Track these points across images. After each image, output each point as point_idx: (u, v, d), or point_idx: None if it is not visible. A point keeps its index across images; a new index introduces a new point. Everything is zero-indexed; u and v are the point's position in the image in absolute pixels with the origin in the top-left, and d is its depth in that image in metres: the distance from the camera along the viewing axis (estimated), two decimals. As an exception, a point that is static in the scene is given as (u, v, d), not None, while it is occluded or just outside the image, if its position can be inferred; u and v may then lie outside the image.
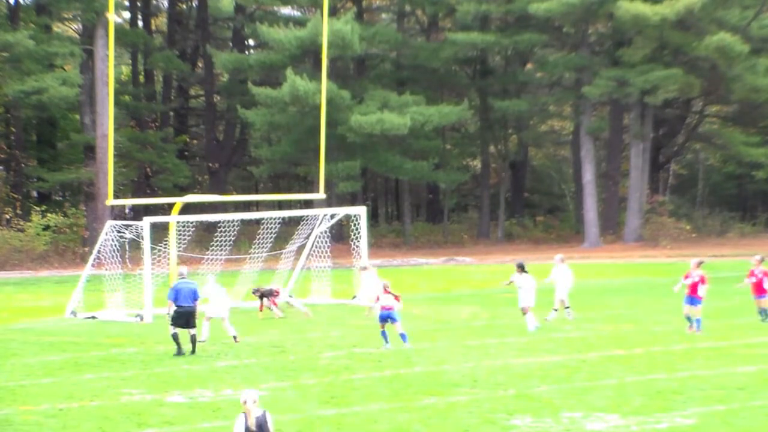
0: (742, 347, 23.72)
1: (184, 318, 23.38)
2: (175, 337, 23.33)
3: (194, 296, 23.67)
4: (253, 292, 31.33)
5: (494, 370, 20.91)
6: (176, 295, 23.48)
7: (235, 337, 24.94)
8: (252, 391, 11.96)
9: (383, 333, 23.80)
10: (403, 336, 23.82)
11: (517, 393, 18.57)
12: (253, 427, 11.69)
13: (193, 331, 23.49)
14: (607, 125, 65.05)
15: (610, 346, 23.90)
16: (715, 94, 65.78)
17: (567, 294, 28.55)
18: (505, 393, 18.63)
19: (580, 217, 63.15)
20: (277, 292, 31.36)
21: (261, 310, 30.68)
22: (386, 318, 23.76)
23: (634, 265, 47.35)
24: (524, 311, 26.77)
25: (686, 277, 26.04)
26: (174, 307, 23.36)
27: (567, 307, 28.61)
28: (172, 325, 23.46)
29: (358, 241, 34.50)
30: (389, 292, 23.95)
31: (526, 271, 26.70)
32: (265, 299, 30.74)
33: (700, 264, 26.40)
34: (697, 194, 76.60)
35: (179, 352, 23.16)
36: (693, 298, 25.77)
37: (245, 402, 11.81)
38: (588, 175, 59.66)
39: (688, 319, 25.89)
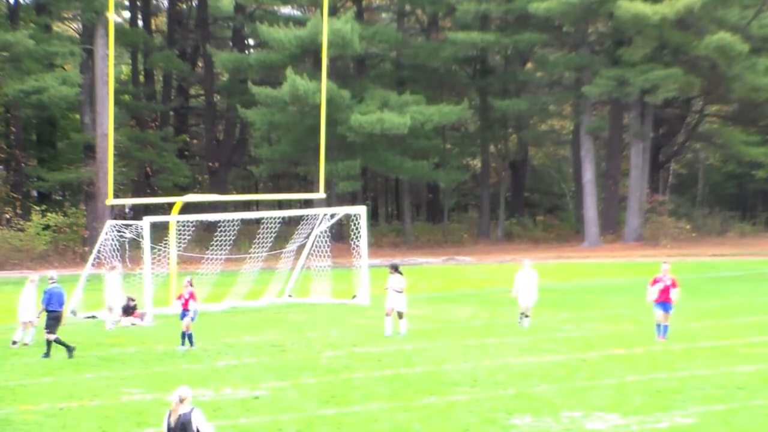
0: (742, 347, 23.72)
1: (58, 321, 23.25)
2: (58, 341, 22.92)
3: (61, 301, 23.70)
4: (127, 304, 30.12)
5: (494, 370, 20.91)
6: (49, 300, 23.36)
7: (15, 342, 24.76)
8: (182, 389, 11.94)
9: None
10: None
11: (517, 392, 18.57)
12: (173, 425, 11.71)
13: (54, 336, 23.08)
14: (607, 125, 65.05)
15: (610, 346, 23.90)
16: (715, 94, 65.77)
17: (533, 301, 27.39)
18: (505, 392, 18.62)
19: (580, 216, 63.14)
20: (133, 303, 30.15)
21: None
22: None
23: (634, 265, 47.33)
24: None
25: (655, 282, 24.65)
26: (45, 313, 23.28)
27: (527, 316, 27.39)
28: (50, 332, 23.01)
29: (358, 241, 34.50)
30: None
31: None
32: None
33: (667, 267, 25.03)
34: (697, 194, 76.61)
35: (70, 353, 22.77)
36: (666, 304, 24.43)
37: (173, 399, 11.87)
38: (588, 175, 59.65)
39: (658, 327, 24.55)
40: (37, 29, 55.88)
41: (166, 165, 62.55)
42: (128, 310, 29.66)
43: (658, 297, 24.45)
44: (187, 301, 24.34)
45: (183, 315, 24.36)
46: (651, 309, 24.98)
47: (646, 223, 59.85)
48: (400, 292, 25.93)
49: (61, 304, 23.59)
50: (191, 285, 24.90)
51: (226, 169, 68.46)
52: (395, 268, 26.38)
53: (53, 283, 23.89)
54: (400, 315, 26.00)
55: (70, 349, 22.81)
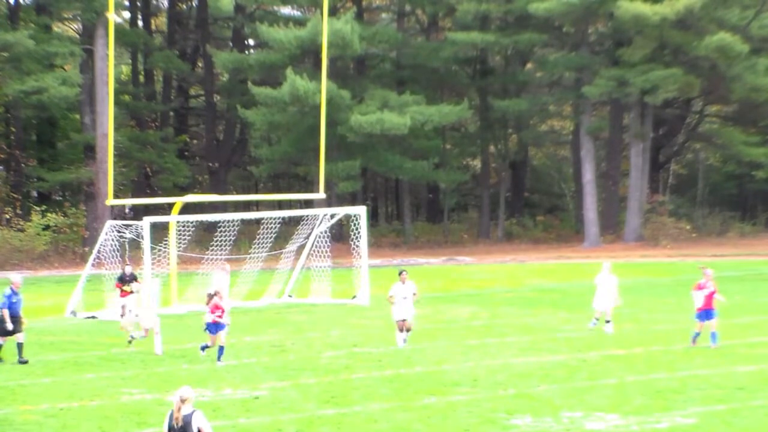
0: (743, 347, 23.72)
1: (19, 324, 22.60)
2: None
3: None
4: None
5: (494, 370, 20.91)
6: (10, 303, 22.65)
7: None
8: (184, 389, 11.96)
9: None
10: None
11: (517, 392, 18.57)
12: (177, 425, 11.73)
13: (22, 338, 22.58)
14: (607, 125, 65.03)
15: (610, 346, 23.90)
16: (715, 94, 65.73)
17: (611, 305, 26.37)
18: (505, 392, 18.63)
19: (580, 216, 63.12)
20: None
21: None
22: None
23: (634, 265, 47.31)
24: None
25: (699, 287, 23.76)
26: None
27: (607, 321, 26.44)
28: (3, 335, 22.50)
29: (358, 241, 34.50)
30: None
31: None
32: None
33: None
34: (697, 194, 76.57)
35: None
36: (710, 311, 23.53)
37: (174, 400, 11.88)
38: (588, 175, 59.65)
39: (697, 335, 23.64)
40: (37, 29, 55.84)
41: (166, 165, 62.54)
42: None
43: (703, 304, 23.51)
44: (223, 311, 22.48)
45: (218, 328, 22.22)
46: (691, 316, 24.09)
47: (646, 224, 59.83)
48: (405, 299, 24.00)
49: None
50: (220, 296, 22.99)
51: (226, 170, 68.45)
52: (400, 274, 24.71)
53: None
54: (408, 326, 24.11)
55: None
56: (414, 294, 24.19)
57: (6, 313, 22.39)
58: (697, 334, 23.66)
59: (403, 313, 24.05)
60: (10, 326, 22.31)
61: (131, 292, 27.48)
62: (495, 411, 17.07)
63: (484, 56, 66.96)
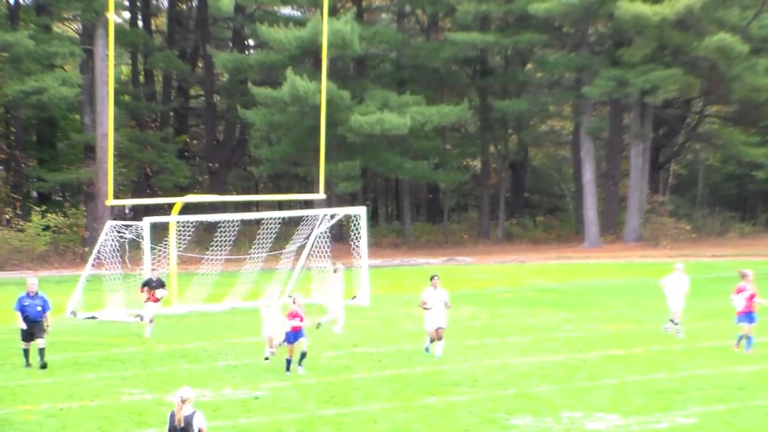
0: (742, 347, 23.71)
1: (40, 330, 22.18)
2: None
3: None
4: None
5: (494, 370, 20.91)
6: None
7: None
8: (184, 390, 11.95)
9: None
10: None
11: (517, 392, 18.58)
12: (179, 426, 11.73)
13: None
14: (607, 125, 65.01)
15: (610, 346, 23.90)
16: (715, 94, 65.70)
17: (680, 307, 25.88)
18: (505, 393, 18.63)
19: (580, 217, 63.11)
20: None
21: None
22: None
23: (634, 265, 47.34)
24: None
25: (739, 291, 23.23)
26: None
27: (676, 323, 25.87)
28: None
29: (358, 242, 34.50)
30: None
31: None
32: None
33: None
34: (697, 194, 76.57)
35: None
36: (751, 314, 23.08)
37: (175, 400, 11.87)
38: (588, 175, 59.64)
39: (740, 338, 23.27)
40: (37, 30, 55.82)
41: (166, 165, 62.52)
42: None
43: (744, 307, 23.08)
44: (302, 318, 20.79)
45: (296, 336, 20.66)
46: (733, 319, 23.65)
47: (646, 224, 59.82)
48: (430, 307, 22.67)
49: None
50: (298, 303, 21.24)
51: (226, 170, 68.44)
52: (431, 279, 23.20)
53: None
54: (439, 335, 22.78)
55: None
56: (446, 303, 22.74)
57: (18, 315, 22.12)
58: (742, 337, 23.21)
59: (435, 321, 22.65)
60: (23, 326, 21.99)
61: (159, 298, 26.68)
62: (495, 411, 17.08)
63: (484, 56, 66.95)
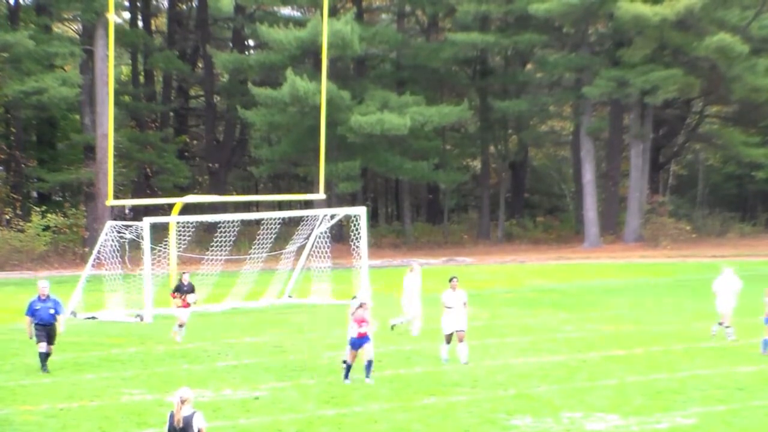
0: (743, 347, 23.72)
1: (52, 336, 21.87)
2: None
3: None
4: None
5: (494, 370, 20.91)
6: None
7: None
8: (183, 390, 11.95)
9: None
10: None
11: (517, 393, 18.58)
12: (178, 426, 11.73)
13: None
14: (607, 125, 65.00)
15: (610, 346, 23.91)
16: (715, 94, 65.71)
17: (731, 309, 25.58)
18: (505, 393, 18.63)
19: (580, 217, 63.11)
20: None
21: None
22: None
23: (634, 265, 47.35)
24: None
25: None
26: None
27: (728, 326, 25.57)
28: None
29: (358, 242, 34.49)
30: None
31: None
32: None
33: None
34: (697, 194, 76.57)
35: None
36: None
37: (174, 401, 11.88)
38: (588, 175, 59.64)
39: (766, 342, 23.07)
40: (37, 30, 55.81)
41: (166, 166, 62.51)
42: None
43: None
44: (368, 324, 20.18)
45: (362, 342, 19.98)
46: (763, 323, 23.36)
47: (646, 224, 59.82)
48: (450, 308, 22.07)
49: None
50: (365, 307, 20.48)
51: (226, 170, 68.44)
52: (450, 280, 22.62)
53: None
54: (460, 337, 21.97)
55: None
56: (464, 304, 22.12)
57: (28, 320, 21.72)
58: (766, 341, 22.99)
59: (453, 324, 21.96)
60: (32, 333, 21.56)
61: (191, 303, 26.17)
62: (495, 411, 17.08)
63: (484, 57, 66.94)
